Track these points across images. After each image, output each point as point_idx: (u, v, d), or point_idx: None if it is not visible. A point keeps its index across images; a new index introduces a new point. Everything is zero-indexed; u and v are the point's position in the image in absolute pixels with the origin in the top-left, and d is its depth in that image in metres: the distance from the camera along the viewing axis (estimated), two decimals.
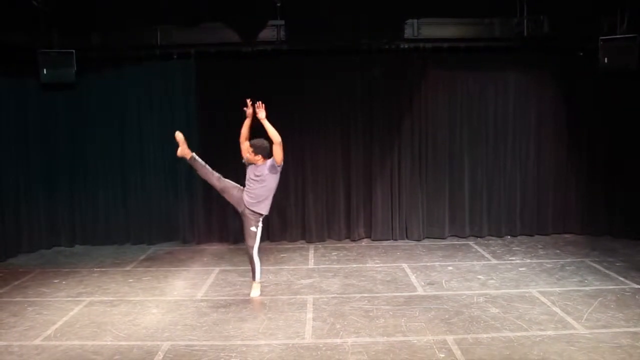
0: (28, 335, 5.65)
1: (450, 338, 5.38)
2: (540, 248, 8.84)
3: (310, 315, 6.08)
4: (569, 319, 5.81)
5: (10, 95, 8.86)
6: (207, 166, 6.65)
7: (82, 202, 9.52)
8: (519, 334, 5.45)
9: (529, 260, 8.12)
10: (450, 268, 7.84)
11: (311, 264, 8.23)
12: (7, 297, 6.90)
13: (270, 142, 6.42)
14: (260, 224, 6.67)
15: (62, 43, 8.55)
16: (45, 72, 8.45)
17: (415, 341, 5.33)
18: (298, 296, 6.74)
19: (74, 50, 8.46)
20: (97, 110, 9.38)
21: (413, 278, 7.38)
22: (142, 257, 8.76)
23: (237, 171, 9.40)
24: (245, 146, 6.58)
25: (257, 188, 6.54)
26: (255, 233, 6.62)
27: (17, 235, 9.01)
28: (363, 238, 9.60)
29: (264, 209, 6.61)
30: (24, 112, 9.06)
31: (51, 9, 8.00)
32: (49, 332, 5.74)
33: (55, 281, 7.53)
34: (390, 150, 9.47)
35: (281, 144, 6.39)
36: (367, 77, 9.38)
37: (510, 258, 8.29)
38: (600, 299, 6.38)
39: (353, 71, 9.37)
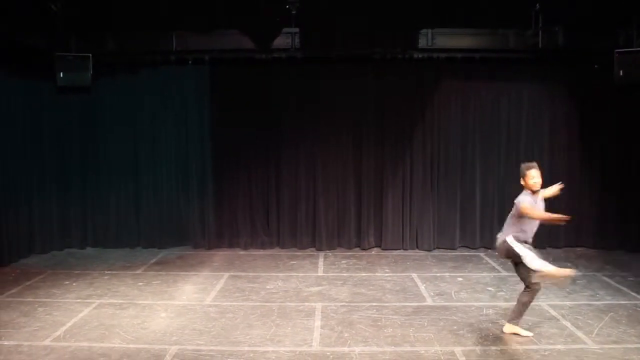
0: (37, 336, 5.70)
1: (458, 349, 5.35)
2: (552, 261, 8.66)
3: (318, 322, 6.08)
4: (579, 333, 5.75)
5: (27, 97, 8.97)
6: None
7: (95, 205, 9.61)
8: (528, 347, 5.40)
9: None
10: (460, 279, 7.80)
11: (320, 272, 8.22)
12: (18, 297, 6.97)
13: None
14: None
15: (79, 47, 8.68)
16: (61, 75, 8.54)
17: (423, 352, 5.31)
18: (307, 303, 6.73)
19: (90, 55, 8.57)
20: (112, 114, 9.49)
21: (422, 288, 7.35)
22: (152, 261, 8.80)
23: (248, 176, 9.57)
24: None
25: None
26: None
27: (30, 237, 9.10)
28: (373, 247, 9.57)
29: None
30: (39, 114, 9.18)
31: (69, 13, 8.10)
32: (58, 333, 5.78)
33: (66, 282, 7.59)
34: (402, 160, 9.47)
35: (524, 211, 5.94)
36: (380, 85, 9.40)
37: None
38: (611, 314, 6.31)
39: (366, 79, 9.40)
